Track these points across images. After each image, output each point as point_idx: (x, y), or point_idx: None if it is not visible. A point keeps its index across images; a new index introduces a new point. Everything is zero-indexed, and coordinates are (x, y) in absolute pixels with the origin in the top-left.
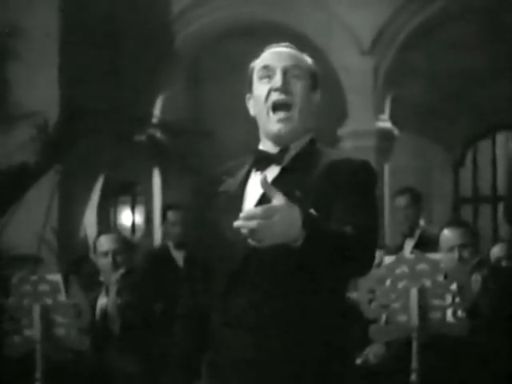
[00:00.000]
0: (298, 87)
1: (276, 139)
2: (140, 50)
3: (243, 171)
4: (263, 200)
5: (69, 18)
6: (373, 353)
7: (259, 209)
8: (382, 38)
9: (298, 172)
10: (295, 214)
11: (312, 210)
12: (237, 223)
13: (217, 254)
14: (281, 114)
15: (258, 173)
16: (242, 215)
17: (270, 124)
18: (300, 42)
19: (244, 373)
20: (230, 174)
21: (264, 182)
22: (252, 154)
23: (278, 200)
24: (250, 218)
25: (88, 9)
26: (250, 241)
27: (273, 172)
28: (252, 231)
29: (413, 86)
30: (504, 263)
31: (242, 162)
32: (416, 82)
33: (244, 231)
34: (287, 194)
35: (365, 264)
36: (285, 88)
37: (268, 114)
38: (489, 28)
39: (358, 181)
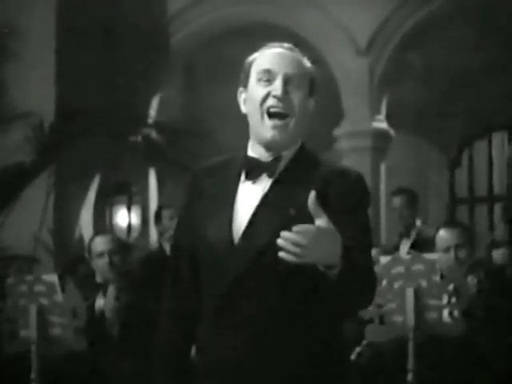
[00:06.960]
0: (297, 97)
1: (268, 146)
2: (136, 51)
3: (230, 176)
4: (258, 213)
5: (65, 18)
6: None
7: (312, 226)
8: (378, 38)
9: (291, 185)
10: (339, 240)
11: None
12: (286, 235)
13: (204, 261)
14: (276, 122)
15: (249, 183)
16: (294, 229)
17: (264, 129)
18: (296, 42)
19: (234, 375)
20: (211, 175)
21: (313, 202)
22: (236, 156)
23: (323, 222)
24: (302, 233)
25: (84, 9)
26: (284, 255)
27: (264, 183)
28: (301, 247)
29: (409, 86)
30: (510, 270)
31: (223, 161)
32: (412, 82)
33: (288, 246)
34: (281, 210)
35: (372, 295)
36: (284, 97)
37: (263, 118)
38: (484, 28)
39: (354, 202)
